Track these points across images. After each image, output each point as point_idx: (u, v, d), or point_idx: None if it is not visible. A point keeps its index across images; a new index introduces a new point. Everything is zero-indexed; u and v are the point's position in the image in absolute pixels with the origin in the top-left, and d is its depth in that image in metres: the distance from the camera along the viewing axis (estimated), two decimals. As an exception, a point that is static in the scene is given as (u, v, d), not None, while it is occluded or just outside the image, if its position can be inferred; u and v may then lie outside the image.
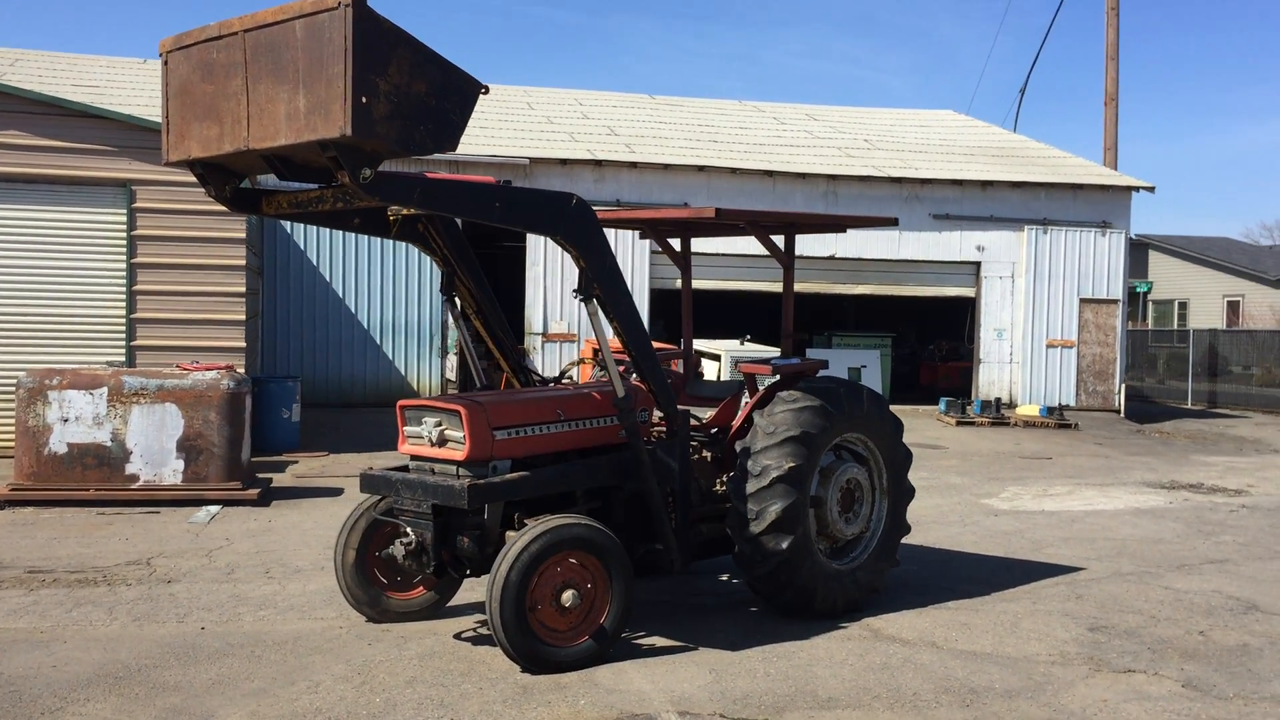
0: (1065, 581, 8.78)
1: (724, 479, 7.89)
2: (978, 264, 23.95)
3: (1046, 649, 6.89)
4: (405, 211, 6.79)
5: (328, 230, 21.25)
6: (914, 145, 26.67)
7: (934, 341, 26.05)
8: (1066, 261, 24.32)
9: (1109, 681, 6.28)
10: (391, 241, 21.46)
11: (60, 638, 6.82)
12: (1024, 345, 24.15)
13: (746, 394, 8.04)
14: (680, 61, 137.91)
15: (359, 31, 5.31)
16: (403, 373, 21.80)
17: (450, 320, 7.35)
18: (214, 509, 11.10)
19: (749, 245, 22.12)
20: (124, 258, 14.63)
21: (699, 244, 21.35)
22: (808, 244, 22.91)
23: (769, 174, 22.76)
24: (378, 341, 21.67)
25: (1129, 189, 24.77)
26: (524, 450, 6.75)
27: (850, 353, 23.90)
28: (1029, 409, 23.13)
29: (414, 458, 6.92)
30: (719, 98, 30.25)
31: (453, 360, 22.09)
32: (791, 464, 7.09)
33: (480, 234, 22.78)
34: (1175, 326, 45.48)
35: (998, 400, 22.94)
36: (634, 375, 7.93)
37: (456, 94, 5.77)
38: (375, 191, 5.64)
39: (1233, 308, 46.32)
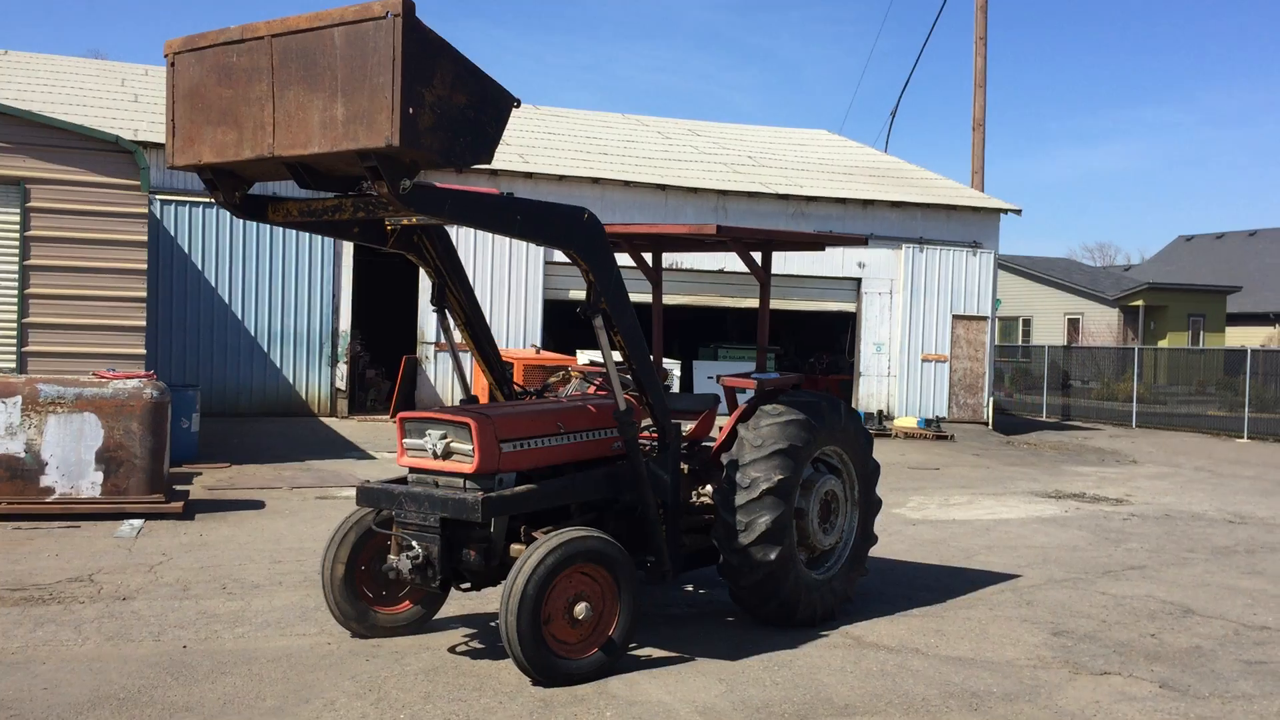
0: (1010, 589, 9.18)
1: (700, 491, 8.03)
2: (859, 280, 24.69)
3: (1023, 654, 7.22)
4: (405, 221, 6.74)
5: (214, 235, 20.65)
6: (795, 163, 27.33)
7: (815, 354, 26.69)
8: (940, 279, 25.28)
9: (1092, 684, 6.63)
10: (281, 247, 21.03)
11: (36, 658, 6.51)
12: (901, 359, 24.99)
13: (724, 407, 8.19)
14: (531, 70, 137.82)
15: (407, 42, 5.28)
16: (291, 382, 21.28)
17: (445, 326, 7.28)
18: (137, 523, 10.69)
19: (699, 261, 22.39)
20: (16, 259, 13.96)
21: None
22: (698, 258, 23.29)
23: (662, 188, 23.03)
24: (265, 349, 21.11)
25: (998, 211, 25.90)
26: (528, 463, 6.76)
27: (736, 365, 24.34)
28: (907, 421, 23.95)
29: (413, 470, 6.84)
30: (568, 108, 30.42)
31: (343, 369, 21.66)
32: (780, 476, 7.26)
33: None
34: (1020, 342, 47.64)
35: (880, 412, 23.69)
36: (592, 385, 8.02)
37: (492, 106, 5.78)
38: (411, 203, 5.60)
39: (1073, 325, 48.73)
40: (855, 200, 24.51)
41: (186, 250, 20.49)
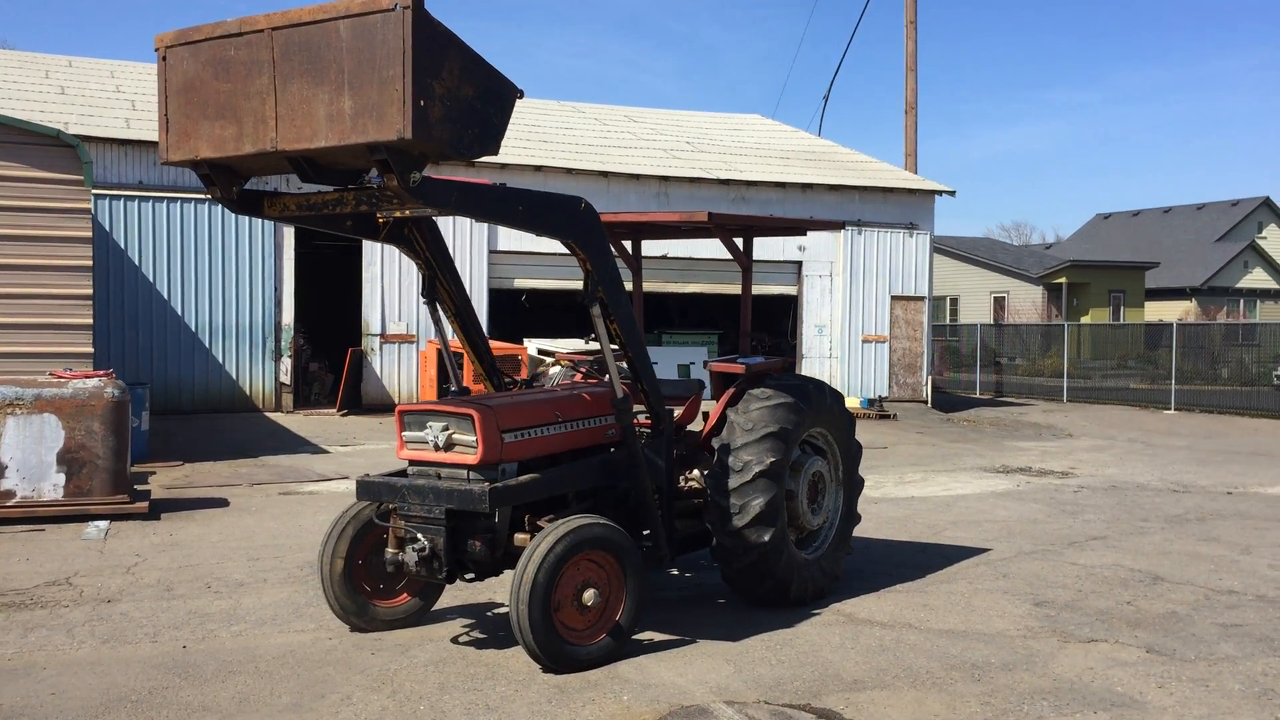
0: (983, 562, 9.42)
1: (688, 476, 8.12)
2: (799, 263, 24.96)
3: (1011, 625, 7.42)
4: (398, 213, 6.71)
5: (150, 229, 20.27)
6: (733, 148, 27.51)
7: (757, 338, 26.94)
8: (879, 261, 25.65)
9: (1082, 651, 6.85)
10: (220, 240, 20.71)
11: (35, 664, 6.41)
12: (842, 340, 25.33)
13: (709, 392, 8.27)
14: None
15: (418, 34, 5.27)
16: (234, 377, 21.00)
17: (441, 319, 7.26)
18: (103, 524, 10.51)
19: None
20: (-43, 258, 13.60)
21: (540, 244, 21.44)
22: (645, 245, 23.34)
23: (604, 175, 23.06)
24: (206, 345, 20.79)
25: (933, 193, 26.32)
26: (529, 452, 6.79)
27: (679, 350, 24.49)
28: (850, 401, 24.26)
29: (413, 463, 6.84)
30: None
31: (287, 363, 21.40)
32: (772, 459, 7.38)
33: (308, 231, 22.16)
34: (948, 321, 48.47)
35: (823, 394, 23.99)
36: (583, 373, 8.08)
37: (497, 98, 5.79)
38: (419, 195, 5.60)
39: (999, 303, 49.71)
40: (795, 184, 24.75)
41: (123, 245, 20.09)
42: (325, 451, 16.56)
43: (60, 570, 8.77)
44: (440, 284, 7.39)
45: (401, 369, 22.09)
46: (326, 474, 14.22)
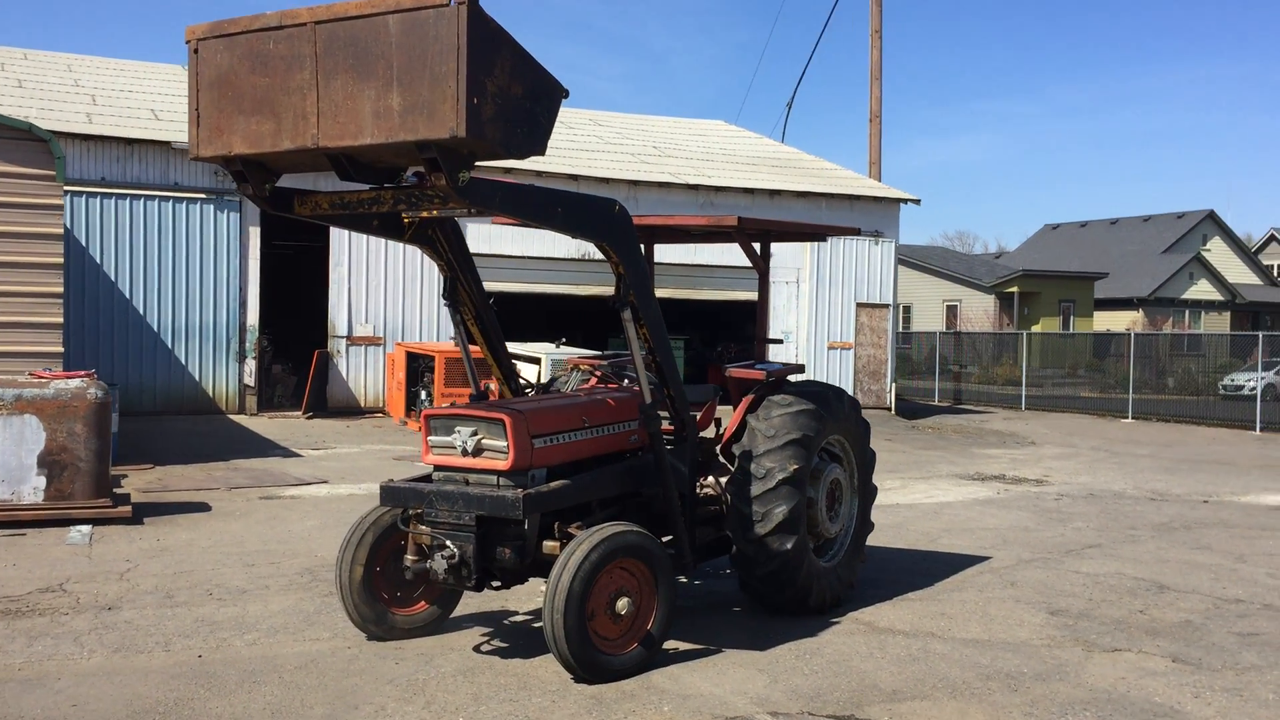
0: (988, 570, 9.43)
1: (703, 483, 8.03)
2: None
3: (1032, 634, 7.42)
4: (424, 214, 6.57)
5: (113, 227, 19.84)
6: (699, 154, 27.50)
7: (722, 344, 26.94)
8: (845, 268, 25.76)
9: (1109, 661, 6.85)
10: (185, 239, 20.32)
11: (47, 674, 6.18)
12: (808, 347, 25.40)
13: (730, 399, 8.19)
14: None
15: (473, 30, 5.15)
16: (197, 379, 20.61)
17: (456, 320, 7.12)
18: (86, 529, 10.21)
19: (554, 248, 22.27)
20: (-77, 253, 13.20)
21: (507, 247, 21.34)
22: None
23: (574, 178, 22.93)
24: (170, 346, 20.38)
25: (898, 201, 26.50)
26: (558, 458, 6.67)
27: (646, 355, 24.38)
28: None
29: (439, 468, 6.68)
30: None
31: (251, 365, 21.04)
32: (795, 466, 7.31)
33: (277, 227, 21.85)
34: (901, 329, 48.86)
35: (790, 400, 24.03)
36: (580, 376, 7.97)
37: (545, 97, 5.68)
38: (466, 195, 5.48)
39: (952, 311, 50.20)
40: (763, 190, 24.79)
41: (84, 243, 19.64)
42: (297, 455, 16.27)
43: (50, 576, 8.49)
44: (461, 286, 7.24)
45: (368, 371, 21.81)
46: (304, 478, 13.96)
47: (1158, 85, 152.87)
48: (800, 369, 8.23)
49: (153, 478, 13.69)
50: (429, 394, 19.44)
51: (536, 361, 20.29)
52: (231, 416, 20.73)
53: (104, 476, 10.68)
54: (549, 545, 6.50)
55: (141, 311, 20.14)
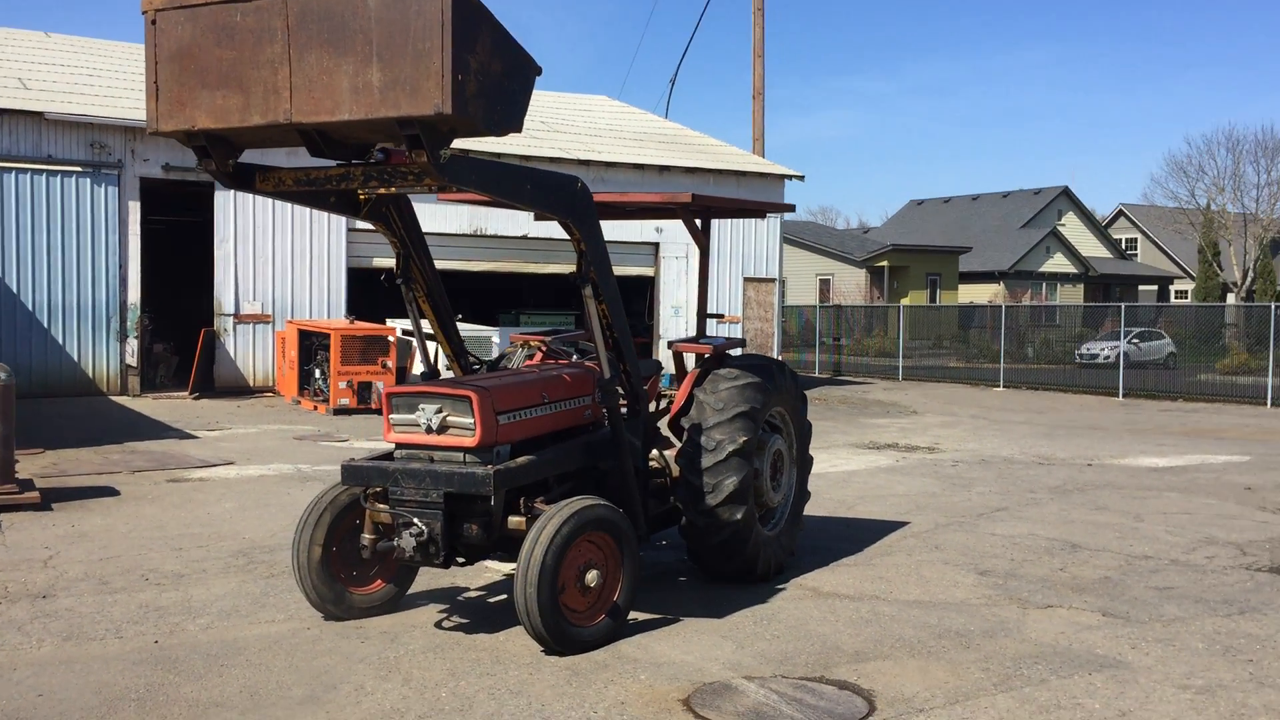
0: (910, 534, 9.78)
1: (649, 457, 8.14)
2: (657, 244, 25.19)
3: (969, 594, 7.75)
4: (381, 190, 6.51)
5: (-16, 200, 18.93)
6: (587, 129, 27.50)
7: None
8: (732, 244, 26.11)
9: (1045, 617, 7.21)
10: (60, 214, 19.52)
11: (1, 664, 6.00)
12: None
13: (672, 374, 8.31)
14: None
15: (457, 6, 5.14)
16: (76, 359, 19.88)
17: (409, 299, 7.09)
18: (-7, 516, 9.84)
19: (445, 224, 22.07)
20: None
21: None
22: (502, 224, 23.17)
23: (465, 153, 22.64)
24: (45, 325, 19.60)
25: (783, 177, 26.96)
26: (521, 434, 6.71)
27: (537, 331, 24.38)
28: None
29: (402, 446, 6.66)
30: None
31: (133, 345, 20.37)
32: (744, 438, 7.49)
33: (159, 201, 21.19)
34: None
35: (682, 374, 24.32)
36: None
37: (521, 75, 5.70)
38: (446, 172, 5.47)
39: (825, 285, 51.25)
40: (652, 166, 24.95)
41: (-48, 218, 18.72)
42: (193, 436, 15.86)
43: (-30, 566, 8.18)
44: (414, 263, 7.21)
45: (257, 350, 21.32)
46: (208, 460, 13.63)
47: (1011, 65, 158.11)
48: (742, 343, 8.40)
49: (46, 462, 13.21)
50: (324, 373, 19.12)
51: (434, 339, 20.09)
52: (114, 398, 20.06)
53: (8, 462, 10.30)
54: (514, 521, 6.54)
55: (15, 290, 19.31)
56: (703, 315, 8.73)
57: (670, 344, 8.37)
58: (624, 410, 7.42)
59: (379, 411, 19.09)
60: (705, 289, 8.68)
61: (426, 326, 7.59)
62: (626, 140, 27.06)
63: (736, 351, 8.56)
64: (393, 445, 6.74)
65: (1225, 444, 17.56)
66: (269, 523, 9.90)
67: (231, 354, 21.07)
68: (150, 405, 19.27)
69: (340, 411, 18.73)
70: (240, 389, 21.07)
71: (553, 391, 7.04)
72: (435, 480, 6.36)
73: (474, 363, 7.84)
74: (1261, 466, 14.73)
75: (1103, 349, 32.67)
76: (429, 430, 6.50)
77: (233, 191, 20.76)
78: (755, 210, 9.26)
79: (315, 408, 19.33)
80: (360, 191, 6.62)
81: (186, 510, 10.48)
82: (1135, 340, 31.71)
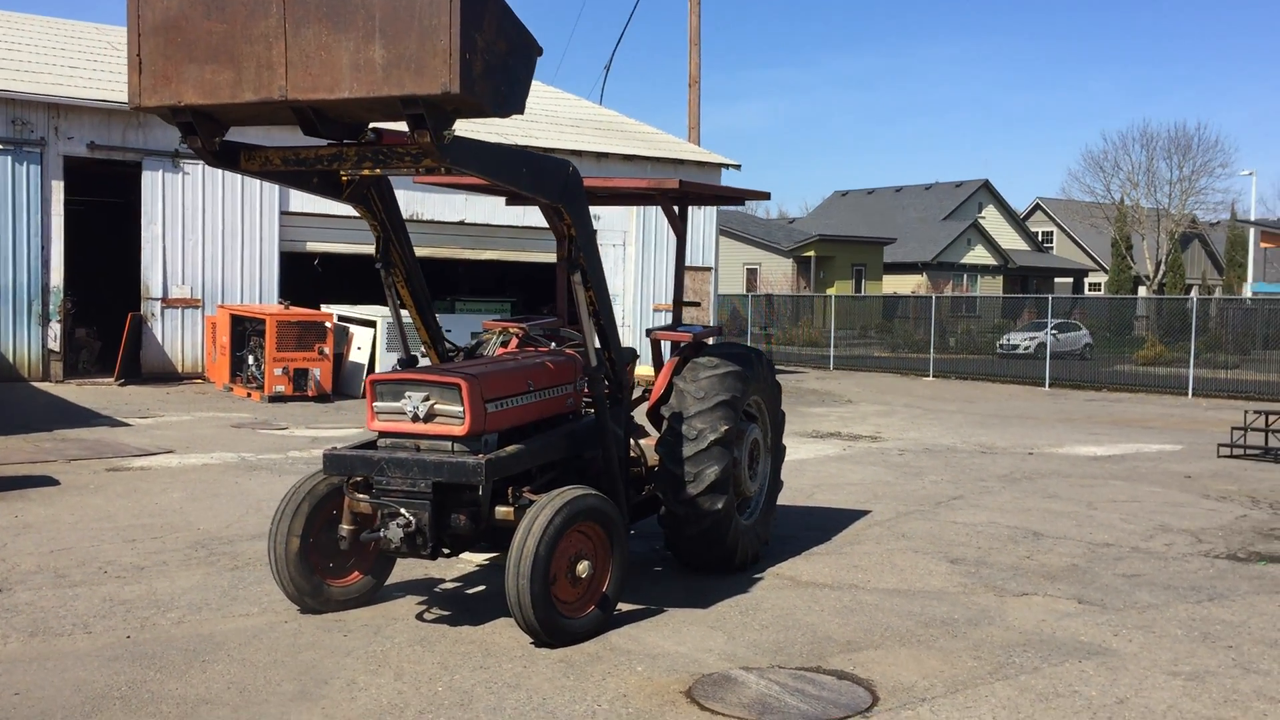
0: (875, 523, 9.82)
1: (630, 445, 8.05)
2: (594, 233, 25.00)
3: (945, 583, 7.79)
4: (363, 172, 6.32)
5: (-101, 177, 18.16)
6: (524, 114, 27.18)
7: (548, 306, 26.86)
8: (668, 231, 26.00)
9: (1023, 605, 7.27)
10: (-18, 193, 18.76)
11: (-32, 666, 5.73)
12: (635, 309, 25.64)
13: (649, 361, 8.23)
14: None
15: (466, -17, 4.98)
16: (-4, 343, 19.16)
17: (389, 283, 6.91)
18: (-70, 507, 9.43)
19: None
20: None
21: (332, 207, 20.61)
22: (439, 208, 22.85)
23: (402, 136, 22.32)
24: (-36, 308, 18.86)
25: (719, 166, 26.97)
26: (508, 422, 6.57)
27: (473, 318, 24.10)
28: (645, 369, 24.62)
29: (387, 435, 6.48)
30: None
31: (56, 329, 19.72)
32: (726, 426, 7.43)
33: (83, 181, 20.57)
34: (701, 291, 49.84)
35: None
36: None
37: (524, 55, 5.55)
38: (449, 153, 5.32)
39: (752, 275, 51.51)
40: (590, 153, 24.80)
41: None
42: (125, 424, 15.39)
43: (-86, 560, 7.82)
44: (394, 248, 7.02)
45: (185, 335, 20.76)
46: (146, 448, 13.22)
47: (926, 60, 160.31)
48: (719, 331, 8.33)
49: (-25, 450, 12.71)
50: (258, 360, 18.69)
51: (371, 325, 19.79)
52: (35, 384, 19.41)
53: (-54, 450, 9.86)
54: (502, 510, 6.41)
55: (-69, 271, 18.57)
56: (678, 304, 8.65)
57: (648, 331, 8.28)
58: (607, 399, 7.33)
59: (315, 399, 18.81)
60: (682, 277, 8.60)
61: (406, 315, 7.40)
62: (564, 126, 26.86)
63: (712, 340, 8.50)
64: (374, 434, 6.56)
65: (1155, 433, 17.95)
66: (222, 513, 9.62)
67: (159, 339, 20.50)
68: (75, 392, 18.68)
69: (276, 399, 18.32)
70: (168, 375, 20.53)
71: (538, 379, 6.91)
72: (424, 469, 6.20)
73: (451, 350, 7.68)
74: (1195, 455, 15.08)
75: (1023, 340, 33.24)
76: (415, 418, 6.34)
77: (161, 172, 20.19)
78: (734, 198, 9.20)
79: (249, 395, 18.89)
80: (343, 174, 6.43)
81: (133, 500, 10.15)
82: (1054, 332, 32.34)
